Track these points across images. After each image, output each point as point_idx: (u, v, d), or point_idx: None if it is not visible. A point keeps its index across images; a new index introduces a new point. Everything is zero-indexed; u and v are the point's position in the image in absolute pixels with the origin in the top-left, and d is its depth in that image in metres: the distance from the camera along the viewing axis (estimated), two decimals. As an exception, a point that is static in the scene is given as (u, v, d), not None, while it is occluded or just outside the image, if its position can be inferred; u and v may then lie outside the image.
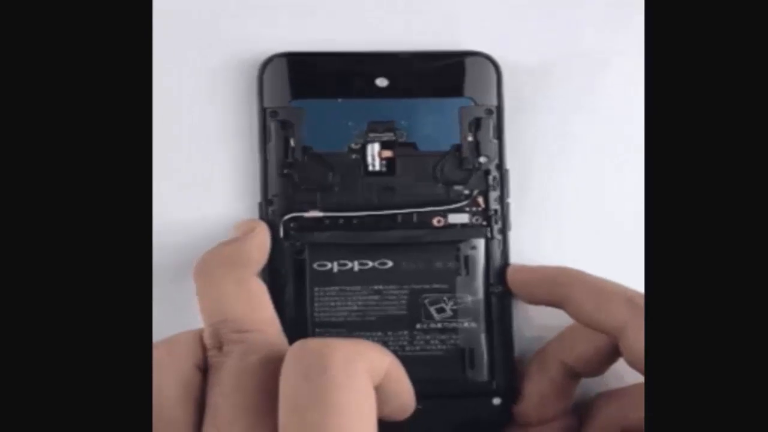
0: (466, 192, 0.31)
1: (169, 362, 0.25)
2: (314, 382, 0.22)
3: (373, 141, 0.31)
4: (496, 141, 0.31)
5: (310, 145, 0.30)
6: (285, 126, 0.30)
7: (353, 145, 0.31)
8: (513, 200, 0.31)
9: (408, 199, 0.30)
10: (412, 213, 0.30)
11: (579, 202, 0.32)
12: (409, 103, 0.31)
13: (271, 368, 0.24)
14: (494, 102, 0.31)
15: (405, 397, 0.26)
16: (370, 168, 0.31)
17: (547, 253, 0.31)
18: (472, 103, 0.31)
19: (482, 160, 0.31)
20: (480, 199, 0.31)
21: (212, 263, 0.27)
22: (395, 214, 0.30)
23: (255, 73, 0.31)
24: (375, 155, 0.31)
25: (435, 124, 0.31)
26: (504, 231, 0.31)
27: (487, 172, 0.31)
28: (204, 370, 0.26)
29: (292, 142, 0.30)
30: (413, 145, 0.31)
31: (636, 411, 0.28)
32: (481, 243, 0.30)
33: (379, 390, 0.24)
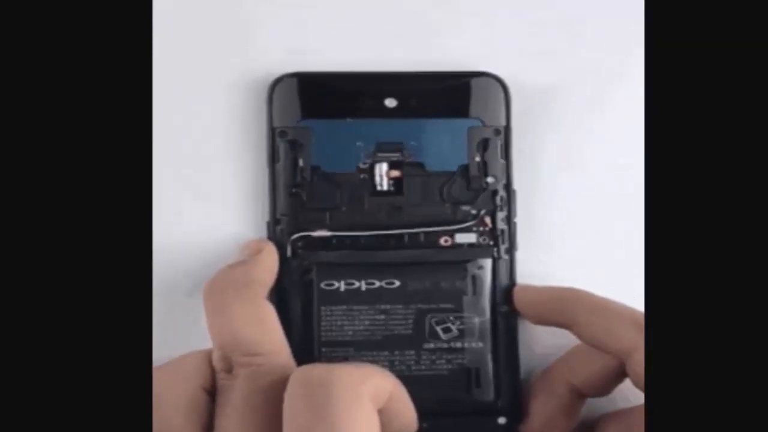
0: (474, 212, 0.31)
1: (176, 384, 0.26)
2: (318, 409, 0.22)
3: (381, 161, 0.31)
4: (503, 161, 0.31)
5: (318, 165, 0.31)
6: (294, 146, 0.30)
7: (361, 165, 0.31)
8: (520, 220, 0.31)
9: (415, 219, 0.31)
10: (419, 233, 0.31)
11: (586, 222, 0.32)
12: (418, 123, 0.31)
13: (279, 392, 0.24)
14: (502, 122, 0.31)
15: (408, 419, 0.26)
16: (378, 188, 0.31)
17: (553, 274, 0.31)
18: (480, 124, 0.31)
19: (490, 180, 0.31)
20: (487, 219, 0.31)
21: (223, 286, 0.28)
22: (402, 234, 0.30)
23: (265, 92, 0.31)
24: (383, 175, 0.31)
25: (443, 144, 0.31)
26: (511, 251, 0.31)
27: (495, 193, 0.31)
28: (212, 392, 0.26)
29: (300, 162, 0.30)
30: (421, 165, 0.31)
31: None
32: (488, 263, 0.31)
33: (382, 413, 0.24)
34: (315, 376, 0.23)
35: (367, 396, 0.23)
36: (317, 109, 0.31)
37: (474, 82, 0.31)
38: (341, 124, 0.31)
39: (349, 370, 0.23)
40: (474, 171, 0.31)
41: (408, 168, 0.31)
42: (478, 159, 0.31)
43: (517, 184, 0.31)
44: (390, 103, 0.31)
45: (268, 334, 0.27)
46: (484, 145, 0.31)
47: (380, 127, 0.31)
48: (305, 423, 0.23)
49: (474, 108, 0.31)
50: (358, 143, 0.31)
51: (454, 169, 0.31)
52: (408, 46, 0.32)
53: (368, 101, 0.31)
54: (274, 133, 0.31)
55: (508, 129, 0.31)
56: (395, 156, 0.31)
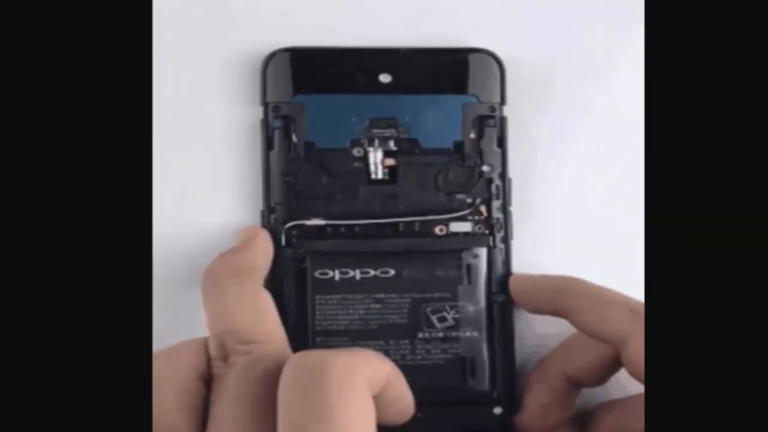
0: (469, 200, 0.31)
1: (170, 373, 0.25)
2: (313, 397, 0.22)
3: (375, 137, 0.30)
4: (498, 149, 0.31)
5: (312, 141, 0.30)
6: (287, 121, 0.30)
7: (356, 153, 0.30)
8: (515, 209, 0.31)
9: (410, 208, 0.30)
10: (414, 221, 0.30)
11: (582, 210, 0.32)
12: (412, 100, 0.31)
13: (275, 380, 0.24)
14: (497, 99, 0.31)
15: (404, 403, 0.26)
16: (373, 176, 0.31)
17: (549, 262, 0.31)
18: (476, 101, 0.31)
19: (485, 168, 0.31)
20: (482, 208, 0.31)
21: (219, 273, 0.27)
22: (397, 223, 0.30)
23: (258, 69, 0.31)
24: (377, 163, 0.31)
25: (438, 120, 0.31)
26: (506, 240, 0.31)
27: (490, 181, 0.31)
28: (207, 380, 0.26)
29: (294, 138, 0.30)
30: (415, 142, 0.31)
31: (638, 421, 0.28)
32: (483, 252, 0.30)
33: (378, 398, 0.24)
34: (309, 362, 0.23)
35: (362, 382, 0.23)
36: (311, 84, 0.30)
37: (469, 58, 0.31)
38: (335, 100, 0.31)
39: (345, 356, 0.23)
40: (468, 148, 0.31)
41: (402, 157, 0.30)
42: (473, 136, 0.31)
43: (512, 173, 0.31)
44: (384, 78, 0.31)
45: (264, 322, 0.27)
46: (480, 123, 0.31)
47: (374, 103, 0.31)
48: (299, 410, 0.22)
49: (469, 84, 0.31)
50: (352, 119, 0.31)
51: (449, 146, 0.31)
52: (403, 21, 0.32)
53: (362, 77, 0.31)
54: (267, 110, 0.30)
55: (503, 109, 0.31)
56: (389, 132, 0.30)
